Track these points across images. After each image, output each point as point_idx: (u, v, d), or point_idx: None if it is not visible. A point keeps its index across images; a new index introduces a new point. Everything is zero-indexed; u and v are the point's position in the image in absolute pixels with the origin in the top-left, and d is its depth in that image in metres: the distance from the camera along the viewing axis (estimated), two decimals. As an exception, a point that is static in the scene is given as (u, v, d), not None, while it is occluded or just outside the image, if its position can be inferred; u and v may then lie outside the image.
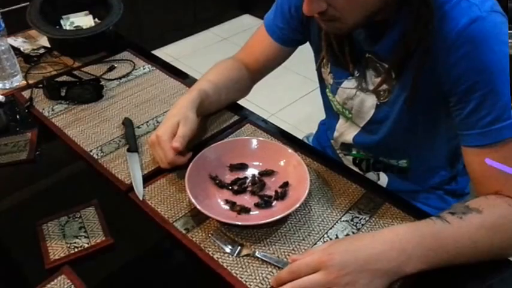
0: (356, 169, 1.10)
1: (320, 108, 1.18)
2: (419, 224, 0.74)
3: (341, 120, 1.09)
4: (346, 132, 1.08)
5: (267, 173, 0.92)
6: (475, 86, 0.76)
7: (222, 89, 1.07)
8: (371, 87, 0.94)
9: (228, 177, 0.92)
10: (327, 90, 1.08)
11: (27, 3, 2.34)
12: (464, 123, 0.80)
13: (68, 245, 0.79)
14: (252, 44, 1.14)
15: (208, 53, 3.23)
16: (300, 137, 1.26)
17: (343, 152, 1.14)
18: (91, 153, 0.99)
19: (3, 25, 1.19)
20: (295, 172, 0.89)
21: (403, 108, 0.90)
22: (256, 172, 0.93)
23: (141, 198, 0.88)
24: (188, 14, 3.37)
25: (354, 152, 1.11)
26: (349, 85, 0.98)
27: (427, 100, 0.87)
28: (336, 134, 1.12)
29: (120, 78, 1.25)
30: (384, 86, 0.91)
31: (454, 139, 0.97)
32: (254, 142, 0.97)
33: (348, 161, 1.13)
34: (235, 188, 0.89)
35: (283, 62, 1.14)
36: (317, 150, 1.05)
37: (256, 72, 1.14)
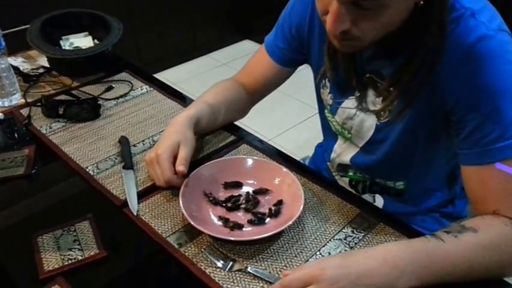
0: (352, 191, 1.15)
1: (317, 134, 1.23)
2: (413, 242, 0.78)
3: (339, 141, 1.14)
4: (344, 153, 1.13)
5: (261, 191, 0.97)
6: (478, 104, 0.79)
7: (219, 109, 1.13)
8: (371, 107, 0.98)
9: (222, 195, 0.97)
10: (326, 110, 1.13)
11: (28, 25, 2.46)
12: (466, 142, 0.83)
13: (62, 257, 0.84)
14: (252, 64, 1.20)
15: (207, 78, 3.32)
16: (301, 159, 1.32)
17: (339, 174, 1.19)
18: (87, 170, 1.04)
19: (3, 44, 1.26)
20: (290, 190, 0.94)
21: (403, 128, 0.95)
22: (250, 190, 0.98)
23: (135, 214, 0.93)
24: (188, 38, 3.48)
25: (350, 173, 1.15)
26: (349, 105, 1.03)
27: (428, 118, 0.91)
28: (333, 155, 1.17)
29: (117, 98, 1.32)
30: (384, 105, 0.95)
31: (453, 159, 1.02)
32: (249, 161, 1.02)
33: (344, 182, 1.18)
34: (229, 205, 0.94)
35: (282, 83, 1.20)
36: (312, 170, 1.10)
37: (255, 93, 1.20)
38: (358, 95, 1.00)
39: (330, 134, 1.17)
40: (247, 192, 0.97)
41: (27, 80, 1.39)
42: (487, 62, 0.78)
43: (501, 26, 0.82)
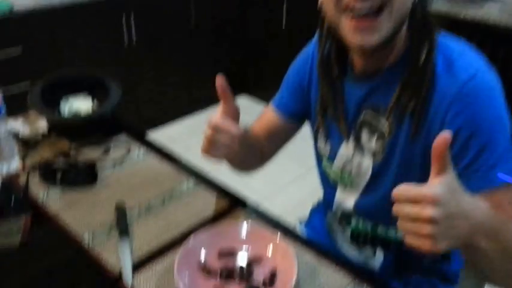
0: (353, 246, 1.18)
1: (313, 192, 1.27)
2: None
3: (339, 188, 1.18)
4: (346, 199, 1.16)
5: (256, 260, 0.99)
6: (475, 134, 0.87)
7: (248, 138, 1.14)
8: (367, 148, 1.05)
9: (217, 264, 0.99)
10: (324, 161, 1.19)
11: (27, 81, 2.54)
12: (465, 171, 0.88)
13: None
14: (260, 120, 1.26)
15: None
16: (293, 222, 1.35)
17: (341, 225, 1.21)
18: (83, 237, 1.07)
19: (3, 111, 1.31)
20: (284, 259, 0.97)
21: (398, 166, 1.00)
22: (245, 259, 1.00)
23: (128, 287, 0.94)
24: (185, 94, 3.56)
25: (353, 223, 1.18)
26: (347, 147, 1.10)
27: (423, 155, 0.95)
28: (335, 204, 1.20)
29: (115, 162, 1.36)
30: (379, 144, 1.02)
31: None
32: (243, 228, 1.05)
33: (346, 238, 1.21)
34: (224, 275, 0.96)
35: (290, 137, 1.26)
36: (306, 238, 1.12)
37: (264, 148, 1.24)
38: (353, 137, 1.07)
39: (329, 186, 1.21)
40: (241, 267, 0.99)
41: (27, 144, 1.43)
42: (479, 98, 0.87)
43: (487, 64, 0.92)
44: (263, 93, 3.74)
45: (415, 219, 0.69)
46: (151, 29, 3.14)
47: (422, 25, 0.93)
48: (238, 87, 3.91)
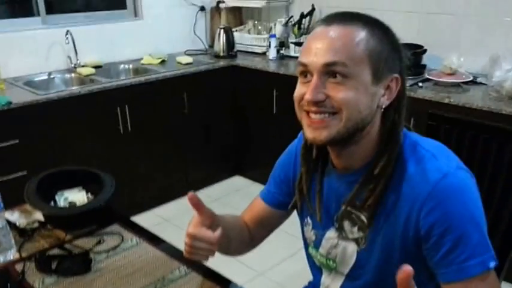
0: None
1: (306, 269, 1.34)
2: None
3: (324, 274, 1.24)
4: (332, 284, 1.22)
5: None
6: (448, 230, 0.95)
7: (231, 229, 1.24)
8: (350, 236, 1.12)
9: None
10: (310, 248, 1.26)
11: (25, 172, 2.65)
12: (441, 263, 0.97)
13: None
14: (250, 209, 1.36)
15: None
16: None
17: None
18: (77, 326, 1.12)
19: (2, 206, 1.39)
20: None
21: (381, 252, 1.07)
22: None
23: None
24: (180, 175, 3.66)
25: None
26: (331, 235, 1.17)
27: (402, 244, 1.03)
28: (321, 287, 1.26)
29: (108, 250, 1.43)
30: (361, 234, 1.10)
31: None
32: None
33: None
34: None
35: (277, 226, 1.35)
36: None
37: (254, 233, 1.33)
38: (337, 226, 1.15)
39: (315, 270, 1.28)
40: None
41: (23, 234, 1.50)
42: (451, 195, 0.96)
43: (459, 164, 1.01)
44: (256, 174, 3.85)
45: None
46: (146, 118, 3.30)
47: (388, 137, 1.04)
48: (232, 168, 4.03)
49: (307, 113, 1.02)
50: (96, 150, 3.06)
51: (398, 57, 1.03)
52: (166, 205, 3.62)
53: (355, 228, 1.11)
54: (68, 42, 3.32)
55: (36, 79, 3.21)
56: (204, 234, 1.05)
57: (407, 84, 2.66)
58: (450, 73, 2.89)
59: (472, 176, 1.02)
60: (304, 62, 1.01)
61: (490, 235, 0.99)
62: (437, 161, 1.00)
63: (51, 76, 3.29)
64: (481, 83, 2.86)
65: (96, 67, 3.44)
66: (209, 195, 3.79)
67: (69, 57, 3.39)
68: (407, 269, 0.75)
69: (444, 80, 2.87)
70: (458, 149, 1.24)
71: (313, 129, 1.02)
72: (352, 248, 1.14)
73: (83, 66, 3.40)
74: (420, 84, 2.87)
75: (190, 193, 1.07)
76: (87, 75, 3.29)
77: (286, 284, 2.61)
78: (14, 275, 1.32)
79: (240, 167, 4.05)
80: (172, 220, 3.38)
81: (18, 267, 1.35)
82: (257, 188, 3.87)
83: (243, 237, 1.32)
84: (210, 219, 1.09)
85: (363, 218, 1.08)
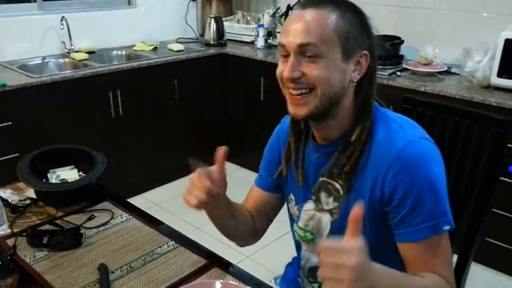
0: None
1: (289, 253, 1.33)
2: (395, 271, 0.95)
3: (303, 247, 1.25)
4: (311, 255, 1.23)
5: (229, 314, 1.02)
6: (407, 194, 0.99)
7: (237, 216, 1.24)
8: (325, 207, 1.15)
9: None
10: (294, 223, 1.26)
11: (17, 154, 2.58)
12: (399, 225, 1.02)
13: None
14: (248, 197, 1.36)
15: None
16: (272, 279, 1.39)
17: (309, 280, 1.26)
18: (67, 298, 1.09)
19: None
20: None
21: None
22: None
23: None
24: (169, 160, 3.62)
25: (319, 279, 1.22)
26: (309, 207, 1.19)
27: (370, 210, 1.05)
28: (302, 262, 1.26)
29: (98, 226, 1.39)
30: (335, 204, 1.11)
31: None
32: (218, 285, 1.08)
33: None
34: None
35: (276, 208, 1.34)
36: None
37: (257, 222, 1.32)
38: (314, 198, 1.17)
39: (297, 244, 1.28)
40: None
41: (15, 210, 1.46)
42: (413, 162, 1.00)
43: (423, 135, 1.05)
44: (244, 160, 3.81)
45: (339, 266, 0.78)
46: (137, 102, 3.24)
47: (362, 108, 1.07)
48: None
49: (289, 91, 1.04)
50: (88, 133, 3.00)
51: (367, 34, 1.06)
52: (156, 189, 3.57)
53: (331, 199, 1.13)
54: (63, 28, 3.23)
55: (31, 63, 3.12)
56: (201, 180, 1.10)
57: (386, 73, 2.67)
58: (426, 63, 2.88)
59: (435, 145, 1.05)
60: (283, 42, 1.04)
61: (459, 214, 0.99)
62: (404, 131, 1.04)
63: (45, 60, 3.21)
64: (454, 73, 2.85)
65: (90, 52, 3.36)
66: (197, 178, 3.76)
67: (64, 43, 3.30)
68: (359, 206, 0.84)
69: (420, 69, 2.86)
70: (430, 131, 1.23)
71: (294, 106, 1.06)
72: (326, 219, 1.15)
73: (76, 51, 3.32)
74: (398, 73, 2.86)
75: (222, 148, 1.15)
76: (81, 60, 3.21)
77: (270, 265, 2.60)
78: (5, 249, 1.28)
79: (229, 153, 3.98)
80: (162, 204, 3.34)
81: (10, 242, 1.31)
82: (244, 173, 3.85)
83: (249, 225, 1.31)
84: (221, 176, 1.16)
85: (338, 187, 1.11)
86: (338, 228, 1.13)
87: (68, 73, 2.91)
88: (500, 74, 2.50)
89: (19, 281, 1.15)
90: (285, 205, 1.32)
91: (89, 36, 3.47)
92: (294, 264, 1.40)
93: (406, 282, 0.97)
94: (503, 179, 2.39)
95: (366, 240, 1.01)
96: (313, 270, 1.22)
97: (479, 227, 1.37)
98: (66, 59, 3.27)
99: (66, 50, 3.31)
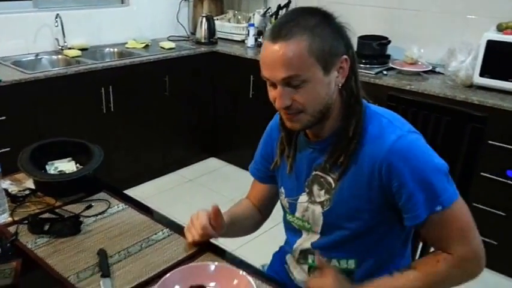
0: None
1: (276, 244, 1.42)
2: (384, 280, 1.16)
3: (304, 235, 1.33)
4: (306, 241, 1.32)
5: (222, 293, 1.10)
6: (402, 185, 1.11)
7: (243, 224, 1.45)
8: (317, 200, 1.24)
9: (188, 298, 1.09)
10: (287, 214, 1.36)
11: (8, 148, 2.62)
12: (405, 207, 1.13)
13: None
14: (251, 189, 1.50)
15: (175, 193, 3.48)
16: (260, 266, 1.47)
17: (299, 263, 1.35)
18: (69, 279, 1.16)
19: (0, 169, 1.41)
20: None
21: (348, 210, 1.19)
22: (212, 292, 1.11)
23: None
24: (158, 156, 3.69)
25: (309, 260, 1.31)
26: (303, 200, 1.28)
27: (369, 202, 1.16)
28: (296, 245, 1.35)
29: (96, 215, 1.46)
30: (326, 196, 1.20)
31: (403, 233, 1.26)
32: (211, 266, 1.16)
33: (303, 270, 1.34)
34: (194, 306, 1.06)
35: (274, 198, 1.45)
36: (266, 274, 1.24)
37: (261, 209, 1.47)
38: (307, 191, 1.26)
39: (294, 233, 1.36)
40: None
41: (15, 200, 1.52)
42: (404, 154, 1.10)
43: (410, 128, 1.16)
44: (232, 156, 3.89)
45: None
46: (128, 99, 3.31)
47: (351, 105, 1.16)
48: (208, 150, 4.07)
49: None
50: (79, 128, 3.05)
51: (341, 38, 1.11)
52: (144, 185, 3.63)
53: (322, 192, 1.21)
54: (58, 25, 3.29)
55: (24, 59, 3.17)
56: (201, 219, 1.27)
57: (373, 72, 2.77)
58: (411, 63, 2.99)
59: (421, 136, 1.17)
60: (266, 76, 1.12)
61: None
62: (393, 125, 1.14)
63: (39, 57, 3.26)
64: (439, 73, 2.96)
65: (83, 49, 3.41)
66: (184, 175, 3.83)
67: (57, 40, 3.36)
68: (320, 259, 1.12)
69: (406, 68, 2.96)
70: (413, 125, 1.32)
71: (289, 121, 1.16)
72: (318, 210, 1.24)
73: (69, 48, 3.38)
74: (385, 72, 2.96)
75: (215, 206, 1.27)
76: (74, 57, 3.26)
77: (254, 258, 2.69)
78: (7, 236, 1.35)
79: (215, 149, 4.09)
80: (150, 199, 3.40)
81: (11, 229, 1.38)
82: (231, 169, 3.94)
83: (252, 220, 1.46)
84: (215, 228, 1.29)
85: (330, 180, 1.19)
86: (332, 217, 1.22)
87: (61, 69, 2.97)
88: (482, 74, 2.61)
89: (22, 265, 1.21)
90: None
91: (82, 33, 3.53)
92: (281, 252, 1.49)
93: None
94: (499, 178, 2.52)
95: (365, 224, 1.19)
96: (305, 252, 1.32)
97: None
98: (59, 56, 3.33)
99: (60, 47, 3.37)
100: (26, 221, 1.39)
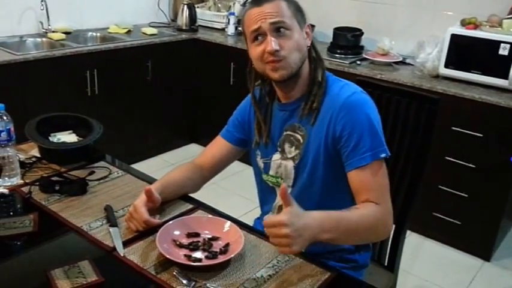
0: None
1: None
2: (332, 212, 1.32)
3: (277, 191, 1.59)
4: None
5: (214, 239, 1.37)
6: (352, 132, 1.37)
7: (178, 184, 1.60)
8: (289, 156, 1.52)
9: (186, 241, 1.36)
10: (262, 174, 1.62)
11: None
12: (350, 154, 1.38)
13: (71, 282, 1.18)
14: (209, 147, 1.71)
15: (158, 176, 3.69)
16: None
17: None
18: (82, 228, 1.41)
19: (14, 136, 1.64)
20: (234, 237, 1.35)
21: (311, 164, 1.46)
22: (206, 238, 1.37)
23: (122, 254, 1.29)
24: (140, 140, 3.92)
25: None
26: (276, 158, 1.55)
27: (325, 150, 1.43)
28: (274, 203, 1.62)
29: (99, 179, 1.71)
30: (297, 151, 1.49)
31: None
32: (204, 218, 1.43)
33: None
34: (191, 247, 1.33)
35: (233, 160, 1.70)
36: (250, 225, 1.51)
37: (209, 170, 1.67)
38: (280, 150, 1.54)
39: (269, 192, 1.62)
40: (204, 239, 1.36)
41: (23, 166, 1.75)
42: (355, 107, 1.39)
43: (362, 90, 1.46)
44: (211, 140, 4.13)
45: (277, 236, 1.17)
46: (112, 82, 3.53)
47: (316, 61, 1.49)
48: (189, 136, 4.32)
49: (268, 63, 1.39)
50: (65, 110, 3.17)
51: (303, 15, 1.46)
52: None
53: (293, 148, 1.50)
54: (43, 9, 3.48)
55: (9, 41, 3.36)
56: (141, 214, 1.40)
57: (347, 62, 3.10)
58: (383, 54, 3.29)
59: (370, 97, 1.45)
60: (255, 27, 1.39)
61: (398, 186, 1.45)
62: (348, 86, 1.45)
63: (23, 39, 3.45)
64: (409, 64, 3.28)
65: (66, 33, 3.61)
66: (166, 160, 4.06)
67: (41, 23, 3.55)
68: (283, 187, 1.21)
69: (378, 59, 3.26)
70: (377, 107, 1.59)
71: (274, 71, 1.40)
72: (290, 165, 1.52)
73: (53, 31, 3.57)
74: (358, 62, 3.26)
75: (147, 189, 1.43)
76: (58, 40, 3.47)
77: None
78: (21, 194, 1.58)
79: (196, 135, 4.33)
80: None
81: (25, 189, 1.62)
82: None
83: (194, 183, 1.64)
84: (154, 205, 1.47)
85: (299, 137, 1.48)
86: (301, 169, 1.50)
87: (49, 51, 3.18)
88: (447, 65, 2.94)
89: (39, 217, 1.46)
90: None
91: (64, 17, 3.73)
92: (262, 217, 1.76)
93: (346, 218, 1.32)
94: (462, 162, 2.83)
95: (321, 177, 1.43)
96: (282, 207, 1.57)
97: (413, 197, 1.77)
98: (44, 39, 3.52)
99: (44, 30, 3.56)
100: (38, 183, 1.63)
